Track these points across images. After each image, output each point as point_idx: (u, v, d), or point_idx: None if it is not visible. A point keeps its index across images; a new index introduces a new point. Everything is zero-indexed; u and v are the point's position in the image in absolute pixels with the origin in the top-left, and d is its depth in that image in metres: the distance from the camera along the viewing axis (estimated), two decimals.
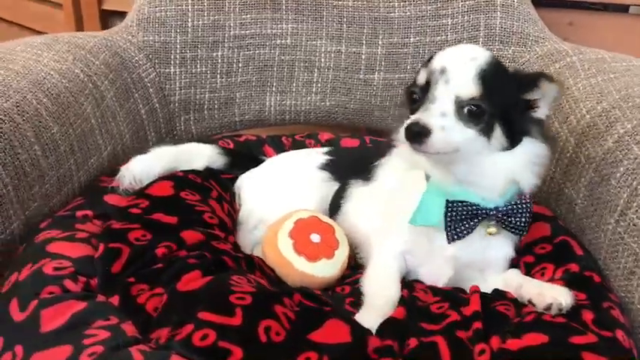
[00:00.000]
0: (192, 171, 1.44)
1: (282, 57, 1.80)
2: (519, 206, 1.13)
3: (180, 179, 1.38)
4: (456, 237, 1.13)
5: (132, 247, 1.14)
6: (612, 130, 1.26)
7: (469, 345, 0.98)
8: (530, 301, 1.08)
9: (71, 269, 1.08)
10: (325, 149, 1.56)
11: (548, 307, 1.04)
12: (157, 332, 0.95)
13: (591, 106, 1.36)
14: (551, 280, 1.17)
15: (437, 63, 1.09)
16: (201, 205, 1.31)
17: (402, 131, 1.06)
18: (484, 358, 0.96)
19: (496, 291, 1.14)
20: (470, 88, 1.06)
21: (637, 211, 1.13)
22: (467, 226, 1.12)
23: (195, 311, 0.95)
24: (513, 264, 1.23)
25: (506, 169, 1.12)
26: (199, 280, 1.04)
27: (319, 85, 1.83)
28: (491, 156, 1.10)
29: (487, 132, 1.08)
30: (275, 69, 1.81)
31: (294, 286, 1.20)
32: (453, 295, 1.11)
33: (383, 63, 1.81)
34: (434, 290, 1.16)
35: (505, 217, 1.13)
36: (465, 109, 1.06)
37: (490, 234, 1.15)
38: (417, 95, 1.11)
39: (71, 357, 0.89)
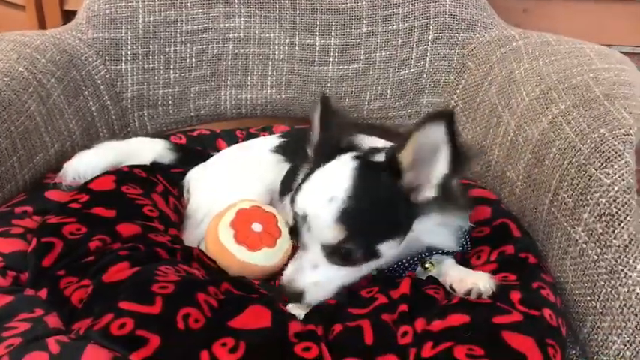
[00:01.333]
0: (138, 166, 1.44)
1: (236, 51, 1.80)
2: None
3: (123, 174, 1.38)
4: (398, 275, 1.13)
5: (65, 241, 1.14)
6: (547, 111, 1.27)
7: (393, 327, 0.98)
8: (451, 287, 1.08)
9: (1, 264, 1.08)
10: (280, 133, 1.56)
11: (468, 293, 1.04)
12: (79, 323, 0.95)
13: (530, 88, 1.37)
14: (486, 262, 1.17)
15: (298, 207, 1.02)
16: (142, 198, 1.31)
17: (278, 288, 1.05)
18: (406, 339, 0.96)
19: (430, 277, 1.14)
20: (332, 233, 0.98)
21: (567, 190, 1.14)
22: (403, 267, 1.13)
23: (116, 301, 0.95)
24: None
25: (413, 246, 1.10)
26: (126, 271, 1.04)
27: (274, 78, 1.83)
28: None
29: (371, 257, 1.03)
30: (229, 63, 1.81)
31: (235, 275, 1.20)
32: (385, 279, 1.11)
33: (337, 54, 1.80)
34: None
35: (444, 250, 1.13)
36: (336, 254, 1.01)
37: (429, 269, 1.14)
38: (293, 231, 1.08)
39: None
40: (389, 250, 1.04)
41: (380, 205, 1.01)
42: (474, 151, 1.07)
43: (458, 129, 0.94)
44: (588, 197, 1.08)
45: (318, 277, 1.02)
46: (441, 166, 0.98)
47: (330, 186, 1.01)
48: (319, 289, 1.02)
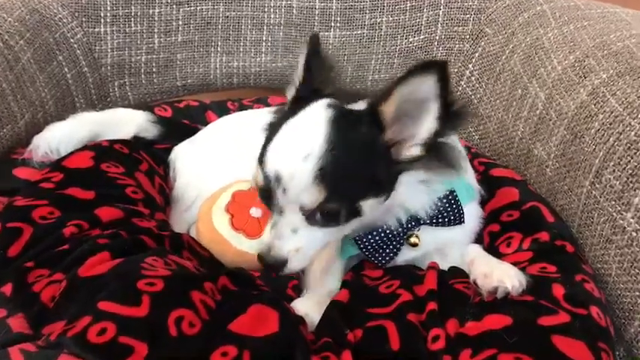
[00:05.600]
0: (120, 140, 1.28)
1: (227, 13, 1.64)
2: (444, 202, 0.99)
3: (102, 149, 1.23)
4: (384, 262, 1.01)
5: (35, 227, 0.99)
6: (586, 81, 1.13)
7: (422, 330, 0.85)
8: (475, 283, 0.93)
9: None
10: (273, 108, 1.40)
11: (494, 291, 0.90)
12: (50, 327, 0.81)
13: (563, 56, 1.22)
14: (518, 250, 1.04)
15: (269, 167, 0.90)
16: (125, 178, 1.16)
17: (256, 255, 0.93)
18: (438, 345, 0.83)
19: (454, 268, 1.00)
20: (312, 195, 0.87)
21: (614, 171, 1.00)
22: (389, 250, 1.00)
23: (95, 301, 0.80)
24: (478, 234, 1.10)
25: (393, 210, 0.97)
26: (107, 263, 0.89)
27: (269, 44, 1.68)
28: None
29: (353, 215, 0.91)
30: (219, 27, 1.65)
31: (232, 266, 1.06)
32: (405, 272, 0.97)
33: (338, 18, 1.66)
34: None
35: (432, 220, 0.99)
36: (317, 215, 0.89)
37: (414, 245, 1.01)
38: (264, 194, 0.93)
39: None
40: (371, 208, 0.92)
41: (360, 160, 0.89)
42: (467, 109, 0.93)
43: (450, 83, 0.82)
44: None
45: (299, 243, 0.91)
46: (428, 123, 0.87)
47: (305, 141, 0.88)
48: (301, 256, 0.92)
